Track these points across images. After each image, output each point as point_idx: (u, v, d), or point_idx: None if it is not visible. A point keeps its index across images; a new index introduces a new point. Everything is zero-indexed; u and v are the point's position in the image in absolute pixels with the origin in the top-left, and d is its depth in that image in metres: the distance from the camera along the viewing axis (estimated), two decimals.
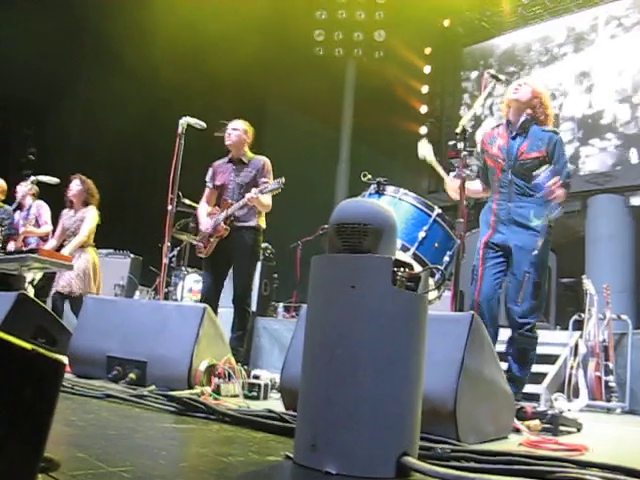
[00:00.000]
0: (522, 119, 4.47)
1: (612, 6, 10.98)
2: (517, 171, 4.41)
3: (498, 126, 4.70)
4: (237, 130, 5.69)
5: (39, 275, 6.54)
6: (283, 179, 5.29)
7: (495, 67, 11.72)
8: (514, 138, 4.48)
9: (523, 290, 4.32)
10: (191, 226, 8.23)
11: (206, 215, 5.65)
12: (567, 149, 10.96)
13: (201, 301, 5.58)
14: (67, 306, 6.58)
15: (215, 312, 5.12)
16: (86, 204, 6.79)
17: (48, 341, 4.84)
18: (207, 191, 5.76)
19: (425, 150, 4.61)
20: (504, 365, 4.42)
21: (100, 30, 10.40)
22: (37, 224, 7.24)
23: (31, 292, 6.28)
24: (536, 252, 4.23)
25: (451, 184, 4.48)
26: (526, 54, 12.06)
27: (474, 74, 12.53)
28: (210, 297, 5.48)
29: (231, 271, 5.60)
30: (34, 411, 0.94)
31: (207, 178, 5.78)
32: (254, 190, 5.32)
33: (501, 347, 4.43)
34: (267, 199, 5.45)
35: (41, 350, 0.95)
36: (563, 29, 11.69)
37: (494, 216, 4.46)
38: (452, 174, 4.38)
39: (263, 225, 5.64)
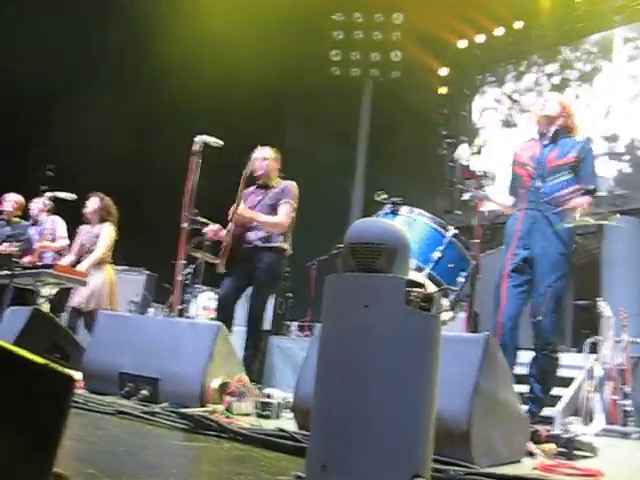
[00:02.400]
0: (553, 129, 4.50)
1: (628, 28, 10.97)
2: (545, 179, 4.41)
3: (530, 140, 4.73)
4: (267, 160, 5.68)
5: (54, 290, 6.57)
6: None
7: (511, 88, 11.73)
8: (545, 146, 4.51)
9: (545, 304, 4.32)
10: (206, 244, 8.25)
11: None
12: None
13: (218, 306, 5.62)
14: (81, 322, 6.60)
15: (230, 321, 5.29)
16: (103, 221, 6.82)
17: (61, 356, 4.87)
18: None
19: (464, 154, 4.54)
20: (525, 387, 4.41)
21: (114, 43, 10.53)
22: (53, 239, 7.28)
23: (46, 307, 6.31)
24: (558, 258, 4.25)
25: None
26: (541, 76, 12.05)
27: (490, 95, 12.52)
28: (226, 304, 5.48)
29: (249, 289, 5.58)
30: (45, 426, 0.94)
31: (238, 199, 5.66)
32: (249, 211, 5.37)
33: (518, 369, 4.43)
34: (271, 218, 5.43)
35: (53, 365, 0.95)
36: (579, 52, 11.69)
37: (520, 224, 4.44)
38: (467, 195, 4.38)
39: (287, 247, 5.57)
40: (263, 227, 5.48)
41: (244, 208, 5.40)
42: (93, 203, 6.87)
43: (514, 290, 4.38)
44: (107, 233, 6.73)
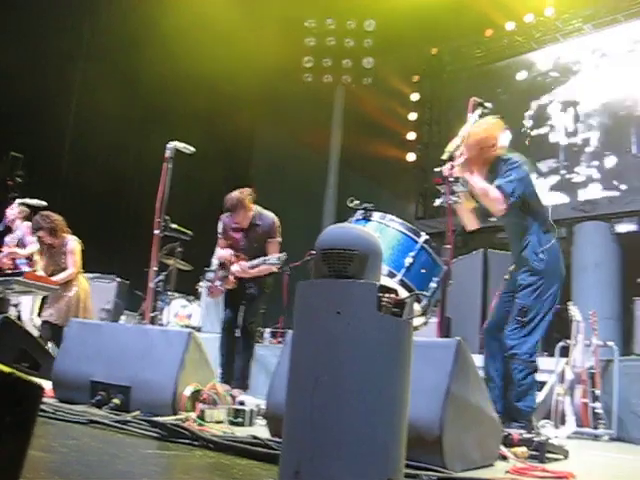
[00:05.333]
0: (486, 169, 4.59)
1: (597, 36, 11.14)
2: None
3: None
4: (239, 215, 5.83)
5: (24, 298, 6.49)
6: (284, 255, 5.54)
7: (482, 95, 11.86)
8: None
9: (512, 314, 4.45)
10: (178, 251, 8.22)
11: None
12: (553, 178, 11.10)
13: (222, 330, 6.08)
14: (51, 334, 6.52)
15: (234, 342, 5.92)
16: (61, 237, 6.64)
17: (31, 365, 4.80)
18: (221, 242, 6.05)
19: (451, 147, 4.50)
20: None
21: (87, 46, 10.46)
22: (23, 245, 7.19)
23: (15, 315, 6.23)
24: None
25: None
26: (513, 83, 12.19)
27: (461, 102, 12.64)
28: (228, 330, 5.97)
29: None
30: (10, 436, 0.92)
31: (219, 230, 6.05)
32: (256, 262, 5.66)
33: None
34: (264, 268, 5.74)
35: (19, 374, 0.94)
36: (550, 59, 11.84)
37: None
38: (438, 200, 4.41)
39: (274, 269, 5.90)
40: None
41: (243, 269, 5.72)
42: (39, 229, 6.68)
43: (502, 298, 4.83)
44: (73, 248, 6.63)
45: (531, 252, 4.53)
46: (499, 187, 4.40)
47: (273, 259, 5.56)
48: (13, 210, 7.19)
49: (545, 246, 4.52)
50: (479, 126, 4.56)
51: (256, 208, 5.95)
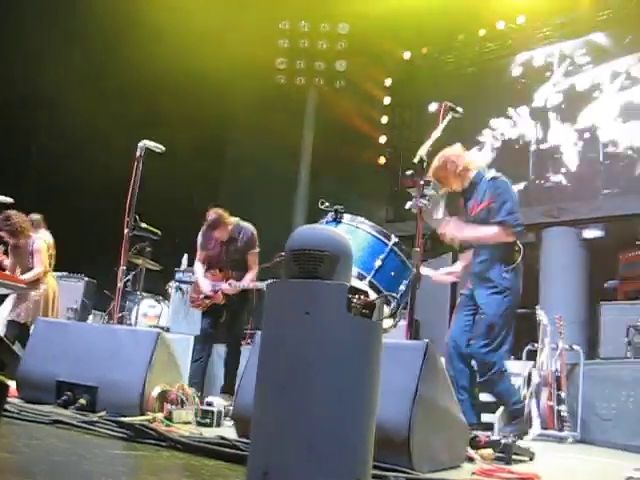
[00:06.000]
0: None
1: (567, 45, 11.28)
2: None
3: None
4: (220, 231, 6.09)
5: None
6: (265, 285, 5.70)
7: (454, 99, 11.93)
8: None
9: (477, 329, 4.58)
10: (147, 250, 8.16)
11: (202, 275, 6.26)
12: (522, 183, 11.22)
13: (200, 340, 6.34)
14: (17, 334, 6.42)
15: (210, 350, 6.31)
16: (25, 236, 6.55)
17: None
18: (201, 254, 6.33)
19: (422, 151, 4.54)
20: None
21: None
22: None
23: None
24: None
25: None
26: (484, 88, 12.29)
27: (433, 106, 12.70)
28: (206, 338, 6.26)
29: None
30: None
31: (198, 244, 6.33)
32: (249, 286, 6.10)
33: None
34: (250, 277, 6.13)
35: None
36: (520, 65, 11.96)
37: None
38: (409, 203, 4.43)
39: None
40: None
41: (233, 288, 6.07)
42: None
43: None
44: (39, 247, 6.54)
45: (498, 271, 4.62)
46: (502, 223, 4.53)
47: (261, 285, 6.01)
48: None
49: (511, 266, 4.64)
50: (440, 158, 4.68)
51: (235, 221, 6.18)
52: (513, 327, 4.77)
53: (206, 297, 6.18)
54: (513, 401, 4.88)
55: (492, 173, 4.88)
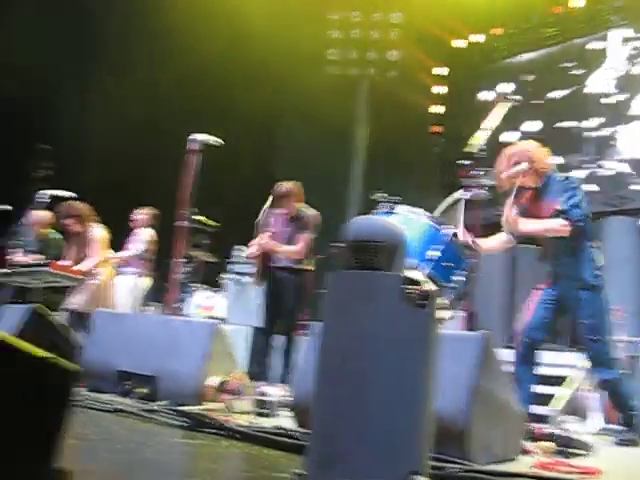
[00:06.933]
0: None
1: (625, 30, 10.98)
2: None
3: None
4: (287, 204, 6.10)
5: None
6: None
7: (511, 88, 11.73)
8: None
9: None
10: (204, 243, 8.27)
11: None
12: (582, 172, 10.99)
13: (261, 333, 6.38)
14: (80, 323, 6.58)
15: (271, 342, 6.27)
16: (87, 225, 6.70)
17: (59, 355, 4.85)
18: (258, 233, 6.24)
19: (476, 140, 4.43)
20: None
21: (107, 38, 10.53)
22: None
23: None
24: None
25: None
26: (541, 75, 12.05)
27: (488, 95, 12.52)
28: (267, 331, 6.27)
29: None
30: (48, 420, 0.94)
31: (260, 219, 6.24)
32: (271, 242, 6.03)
33: None
34: (288, 248, 6.07)
35: (56, 359, 0.95)
36: (576, 51, 11.68)
37: None
38: (459, 193, 4.37)
39: (305, 265, 6.16)
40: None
41: (266, 242, 6.05)
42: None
43: None
44: (97, 237, 6.68)
45: (589, 270, 4.50)
46: (565, 213, 4.38)
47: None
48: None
49: (599, 264, 4.52)
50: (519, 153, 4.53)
51: (302, 205, 6.22)
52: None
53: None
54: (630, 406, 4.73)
55: (562, 174, 4.73)
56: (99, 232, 6.71)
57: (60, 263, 6.49)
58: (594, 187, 10.75)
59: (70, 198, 6.74)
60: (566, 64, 11.67)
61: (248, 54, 10.57)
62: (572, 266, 4.55)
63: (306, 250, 6.12)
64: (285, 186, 6.10)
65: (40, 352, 0.95)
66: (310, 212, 6.22)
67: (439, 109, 13.47)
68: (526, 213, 4.59)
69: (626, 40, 10.93)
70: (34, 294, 6.32)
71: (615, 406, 4.83)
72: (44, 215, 7.21)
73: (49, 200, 6.93)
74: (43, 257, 6.64)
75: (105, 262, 6.78)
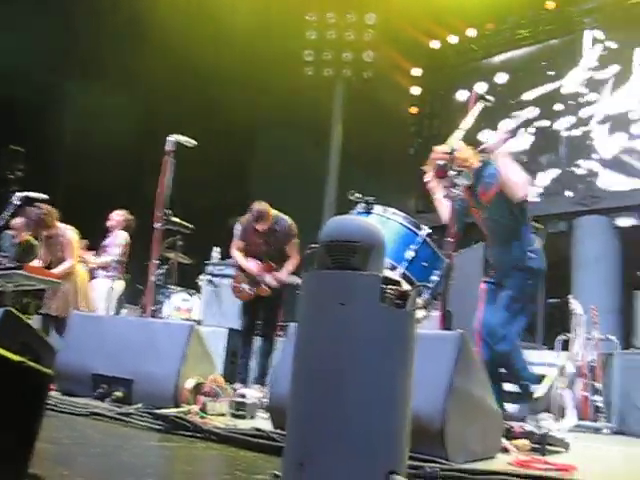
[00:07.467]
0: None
1: (596, 31, 11.11)
2: None
3: None
4: (263, 223, 6.12)
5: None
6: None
7: (484, 88, 11.82)
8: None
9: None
10: (179, 244, 8.22)
11: (246, 260, 6.27)
12: (554, 171, 11.09)
13: (243, 336, 6.43)
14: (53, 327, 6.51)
15: (251, 343, 6.35)
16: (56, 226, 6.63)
17: (33, 358, 4.79)
18: (239, 243, 6.33)
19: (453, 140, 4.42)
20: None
21: (89, 40, 10.45)
22: None
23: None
24: None
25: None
26: (514, 76, 12.16)
27: (463, 95, 12.59)
28: (249, 334, 6.36)
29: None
30: (20, 424, 0.92)
31: (236, 232, 6.35)
32: (284, 278, 6.15)
33: None
34: (290, 267, 6.19)
35: (29, 363, 0.94)
36: (551, 52, 11.81)
37: None
38: (439, 194, 4.40)
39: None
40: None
41: (278, 282, 6.14)
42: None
43: None
44: (69, 240, 6.60)
45: (519, 249, 4.54)
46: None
47: (296, 279, 6.03)
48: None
49: (533, 246, 4.57)
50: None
51: (275, 213, 6.21)
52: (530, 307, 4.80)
53: (251, 287, 6.21)
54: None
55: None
56: (70, 235, 6.64)
57: (33, 265, 6.42)
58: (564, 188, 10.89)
59: (41, 200, 6.66)
60: (541, 64, 11.80)
61: (226, 55, 10.55)
62: (506, 250, 4.61)
63: (298, 257, 6.24)
64: (259, 208, 6.11)
65: (13, 356, 0.93)
66: (283, 220, 6.26)
67: (414, 109, 13.54)
68: (468, 207, 4.67)
69: (597, 41, 11.06)
70: (7, 297, 6.24)
71: (510, 377, 4.82)
72: (22, 221, 7.18)
73: (20, 202, 6.85)
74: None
75: (79, 265, 6.71)
